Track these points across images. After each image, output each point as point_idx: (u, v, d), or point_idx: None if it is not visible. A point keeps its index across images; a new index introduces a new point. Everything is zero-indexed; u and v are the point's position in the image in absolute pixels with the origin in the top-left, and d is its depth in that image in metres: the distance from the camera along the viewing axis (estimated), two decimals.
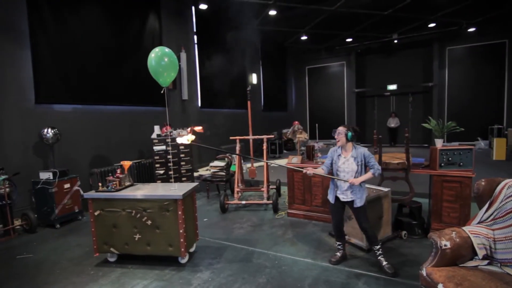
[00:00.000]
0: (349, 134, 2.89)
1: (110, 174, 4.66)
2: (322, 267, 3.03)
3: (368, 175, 2.86)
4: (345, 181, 2.88)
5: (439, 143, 3.53)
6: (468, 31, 10.84)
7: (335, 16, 9.52)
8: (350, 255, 3.26)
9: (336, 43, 12.89)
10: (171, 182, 5.24)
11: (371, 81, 14.13)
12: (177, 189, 3.12)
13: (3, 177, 4.00)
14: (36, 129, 4.65)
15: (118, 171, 3.35)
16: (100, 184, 3.24)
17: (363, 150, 2.91)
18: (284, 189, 6.00)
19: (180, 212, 2.94)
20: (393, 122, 13.51)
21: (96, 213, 3.11)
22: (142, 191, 3.15)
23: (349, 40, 12.38)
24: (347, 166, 2.90)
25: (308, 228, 4.09)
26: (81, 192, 4.64)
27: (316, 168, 3.13)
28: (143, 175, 6.06)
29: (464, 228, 2.26)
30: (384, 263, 2.90)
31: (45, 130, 4.53)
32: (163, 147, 5.18)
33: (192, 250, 3.37)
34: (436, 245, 2.14)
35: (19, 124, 4.63)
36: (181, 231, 2.95)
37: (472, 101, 11.85)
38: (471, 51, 11.80)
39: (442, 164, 3.45)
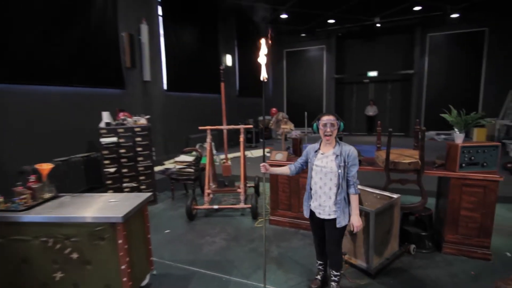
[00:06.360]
0: (342, 124, 2.16)
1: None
2: None
3: (355, 201, 2.11)
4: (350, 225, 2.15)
5: (459, 139, 2.86)
6: (452, 17, 10.48)
7: None
8: (353, 281, 2.55)
9: (317, 25, 12.07)
10: (124, 185, 4.15)
11: (351, 67, 13.58)
12: (118, 205, 2.18)
13: None
14: None
15: (32, 178, 2.31)
16: (1, 199, 2.20)
17: (349, 148, 2.12)
18: (263, 186, 5.22)
19: (120, 241, 2.01)
20: (371, 110, 13.16)
21: None
22: (65, 209, 2.17)
23: (330, 21, 11.60)
24: (324, 164, 2.11)
25: (296, 240, 3.33)
26: None
27: (281, 166, 2.42)
28: (93, 173, 4.96)
29: None
30: None
31: None
32: (114, 139, 4.11)
33: (144, 283, 2.47)
34: None
35: None
36: (123, 267, 2.04)
37: (450, 90, 11.69)
38: (451, 38, 11.53)
39: (463, 165, 2.80)
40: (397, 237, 2.92)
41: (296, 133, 4.32)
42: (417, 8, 9.92)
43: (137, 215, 2.27)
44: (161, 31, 7.37)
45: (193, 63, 8.50)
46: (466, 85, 11.40)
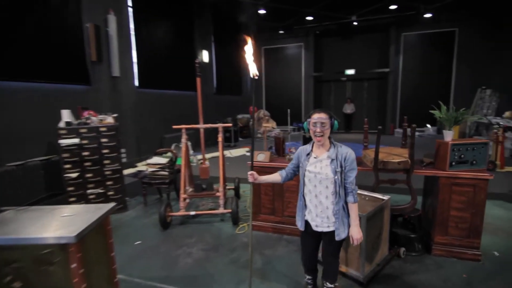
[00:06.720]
0: (336, 123, 1.86)
1: None
2: None
3: (355, 211, 1.87)
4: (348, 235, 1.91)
5: (448, 136, 2.75)
6: (424, 17, 10.74)
7: None
8: None
9: (295, 22, 11.96)
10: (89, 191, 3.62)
11: (329, 65, 13.63)
12: (73, 220, 1.82)
13: None
14: None
15: None
16: None
17: (346, 150, 1.86)
18: (244, 188, 4.95)
19: (74, 265, 1.66)
20: (348, 108, 13.31)
21: None
22: (5, 228, 1.77)
23: (308, 19, 11.52)
24: (318, 170, 1.87)
25: (281, 248, 3.10)
26: None
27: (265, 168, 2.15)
28: (54, 179, 4.45)
29: None
30: None
31: None
32: (75, 140, 3.66)
33: None
34: None
35: None
36: None
37: (423, 88, 12.03)
38: (424, 38, 11.86)
39: (453, 163, 2.69)
40: (387, 241, 2.77)
41: (276, 131, 4.11)
42: (393, 7, 10.06)
43: (97, 231, 1.92)
44: (131, 24, 6.86)
45: (167, 58, 8.05)
46: (438, 83, 11.77)
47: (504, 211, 3.92)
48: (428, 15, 10.56)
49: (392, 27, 11.76)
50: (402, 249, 2.85)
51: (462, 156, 2.68)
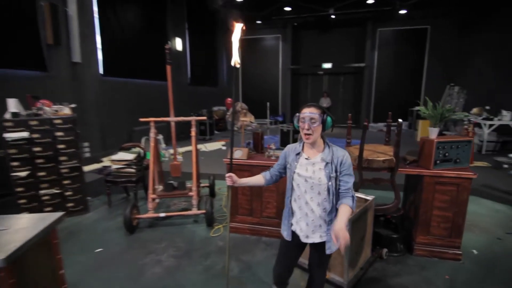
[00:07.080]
0: (329, 120, 1.60)
1: None
2: None
3: (347, 215, 1.53)
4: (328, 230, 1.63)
5: (433, 133, 2.66)
6: (400, 13, 10.88)
7: None
8: None
9: (273, 12, 11.66)
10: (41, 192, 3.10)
11: (306, 58, 13.52)
12: (6, 236, 1.47)
13: None
14: None
15: None
16: None
17: (342, 153, 1.61)
18: (219, 185, 4.68)
19: None
20: (325, 102, 13.31)
21: None
22: None
23: (287, 9, 11.26)
24: (310, 174, 1.62)
25: (259, 251, 2.89)
26: None
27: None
28: (1, 177, 3.91)
29: None
30: None
31: None
32: (24, 134, 3.17)
33: None
34: None
35: None
36: None
37: (395, 83, 12.29)
38: (398, 34, 12.06)
39: (438, 162, 2.60)
40: (370, 242, 2.65)
41: (253, 125, 3.88)
42: (370, 1, 10.06)
43: (40, 247, 1.58)
44: (95, 6, 6.22)
45: (136, 45, 7.46)
46: (410, 79, 12.07)
47: (477, 206, 3.99)
48: (403, 12, 10.69)
49: (368, 22, 11.83)
50: (385, 250, 2.75)
51: (447, 154, 2.60)
